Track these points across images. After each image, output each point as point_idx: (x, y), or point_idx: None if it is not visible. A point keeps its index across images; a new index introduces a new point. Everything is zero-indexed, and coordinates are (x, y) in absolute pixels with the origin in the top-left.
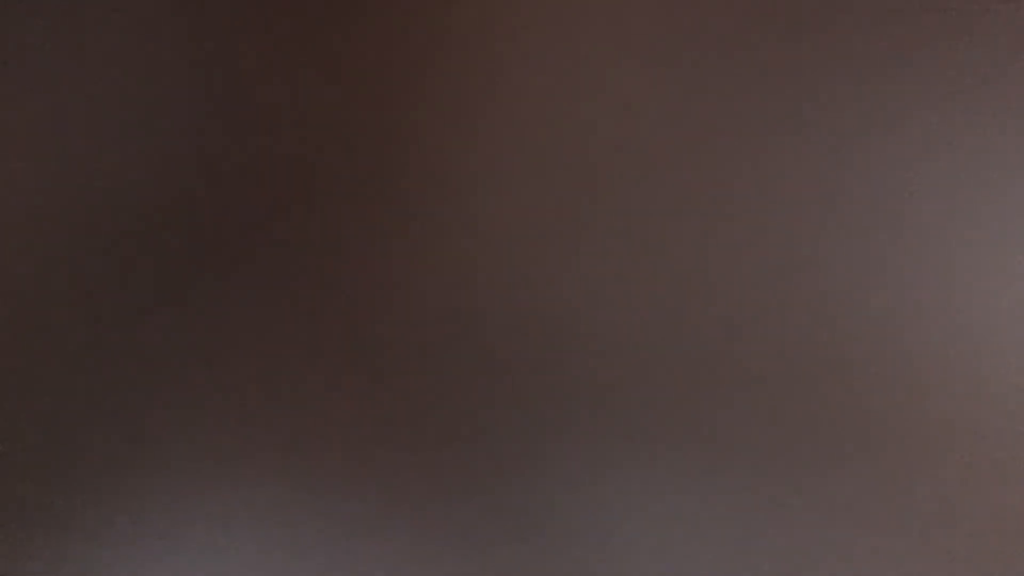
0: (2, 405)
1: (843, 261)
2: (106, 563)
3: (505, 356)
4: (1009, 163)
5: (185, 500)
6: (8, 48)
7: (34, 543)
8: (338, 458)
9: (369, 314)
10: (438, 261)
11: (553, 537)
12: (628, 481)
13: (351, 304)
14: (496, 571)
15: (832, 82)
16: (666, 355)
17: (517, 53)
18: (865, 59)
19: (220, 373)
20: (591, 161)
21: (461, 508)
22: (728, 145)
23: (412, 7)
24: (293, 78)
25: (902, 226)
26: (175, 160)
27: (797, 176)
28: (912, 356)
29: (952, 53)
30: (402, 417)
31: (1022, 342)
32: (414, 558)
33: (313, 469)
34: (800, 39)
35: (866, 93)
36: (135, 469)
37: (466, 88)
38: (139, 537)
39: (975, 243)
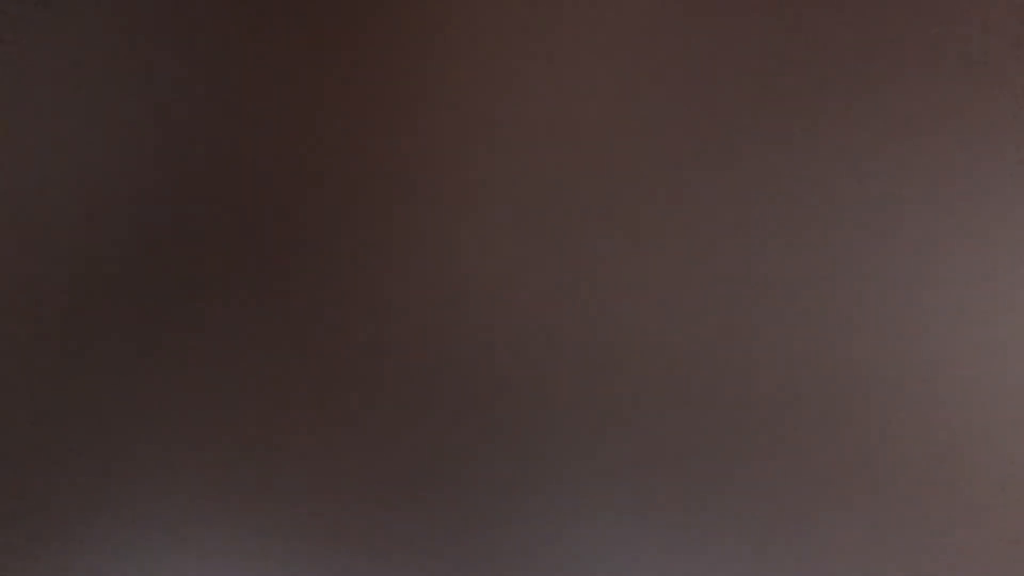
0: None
1: (847, 272)
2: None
3: (498, 383)
4: (1011, 169)
5: (173, 513)
6: (8, 50)
7: (27, 550)
8: (322, 491)
9: (361, 334)
10: (432, 281)
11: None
12: (622, 518)
13: (345, 322)
14: None
15: (833, 83)
16: (663, 383)
17: (518, 58)
18: (865, 57)
19: (216, 386)
20: (594, 172)
21: (448, 545)
22: (732, 149)
23: (413, 11)
24: (292, 85)
25: (910, 232)
26: (171, 165)
27: (801, 182)
28: (923, 380)
29: (952, 53)
30: (392, 447)
31: None
32: None
33: (296, 484)
34: (803, 41)
35: (868, 92)
36: (126, 482)
37: (465, 97)
38: (130, 550)
39: (987, 260)
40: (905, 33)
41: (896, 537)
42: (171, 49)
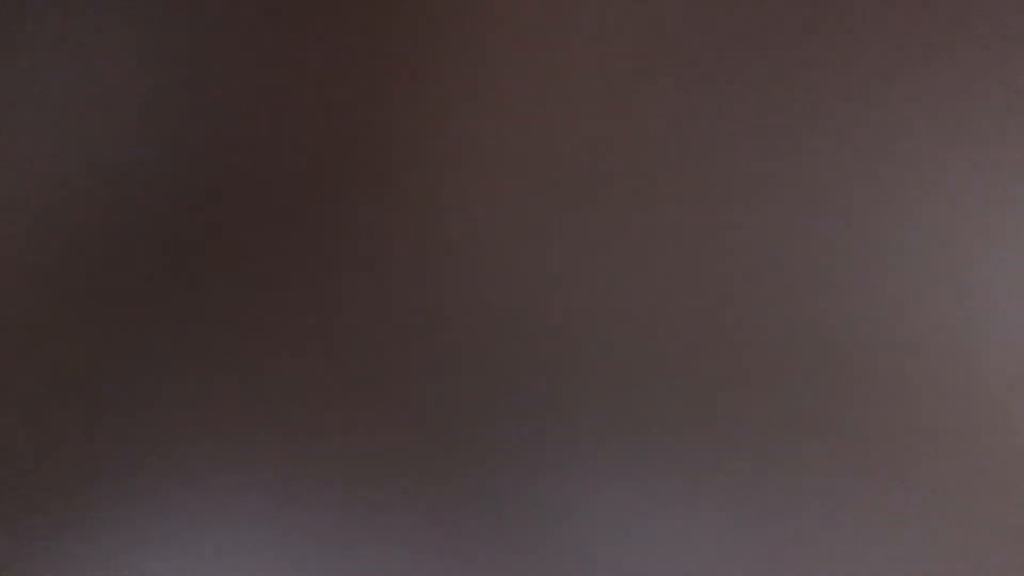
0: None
1: (843, 263)
2: (98, 565)
3: (493, 360)
4: (1009, 165)
5: (177, 503)
6: (5, 47)
7: (24, 546)
8: (319, 468)
9: (355, 320)
10: (424, 265)
11: (543, 551)
12: (622, 490)
13: (338, 308)
14: None
15: (831, 80)
16: (659, 361)
17: (508, 55)
18: (866, 57)
19: (213, 376)
20: (584, 165)
21: (446, 517)
22: (724, 145)
23: (404, 7)
24: (290, 82)
25: (906, 227)
26: (173, 159)
27: (795, 179)
28: (916, 358)
29: (954, 52)
30: (388, 425)
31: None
32: (396, 569)
33: (299, 475)
34: (800, 38)
35: (865, 93)
36: (128, 472)
37: (455, 93)
38: (133, 540)
39: (982, 246)
40: (915, 17)
41: (896, 530)
42: (169, 46)
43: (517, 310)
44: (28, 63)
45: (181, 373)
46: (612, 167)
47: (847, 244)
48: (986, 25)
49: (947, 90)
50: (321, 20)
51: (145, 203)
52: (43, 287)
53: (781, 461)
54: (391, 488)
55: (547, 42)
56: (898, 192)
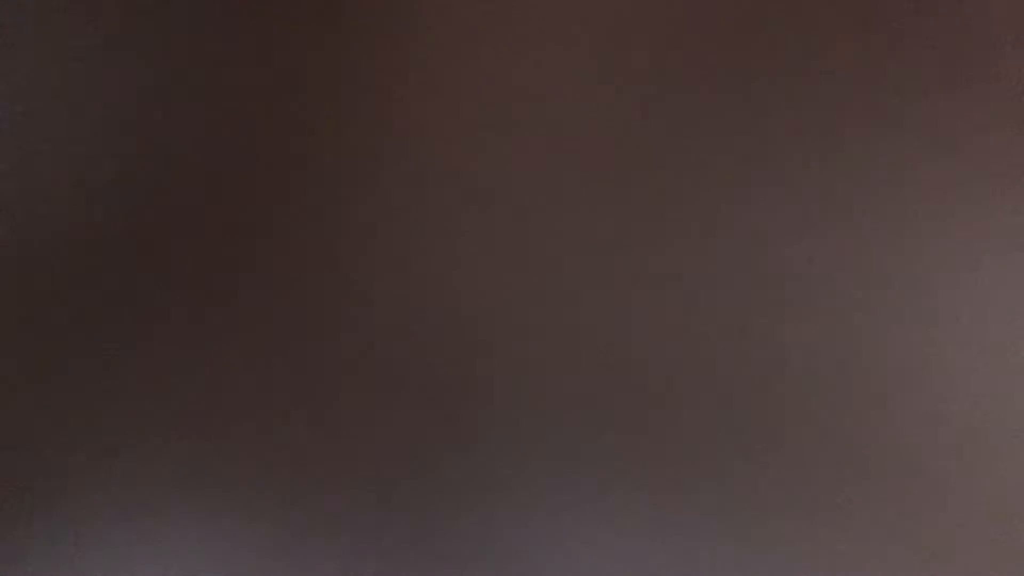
0: None
1: (833, 273)
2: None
3: (490, 379)
4: (1007, 171)
5: (150, 502)
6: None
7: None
8: (289, 488)
9: (347, 328)
10: (397, 276)
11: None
12: (593, 514)
13: (329, 314)
14: None
15: (824, 86)
16: (638, 379)
17: (487, 59)
18: (857, 58)
19: (197, 377)
20: (597, 165)
21: (416, 540)
22: (710, 146)
23: (390, 7)
24: (277, 82)
25: (906, 235)
26: (158, 158)
27: (779, 182)
28: (932, 379)
29: (950, 53)
30: (359, 440)
31: None
32: None
33: (269, 488)
34: (789, 37)
35: (862, 96)
36: (105, 469)
37: (452, 89)
38: (111, 536)
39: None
40: (910, 17)
41: (898, 545)
42: (158, 43)
43: (508, 332)
44: (11, 62)
45: (166, 368)
46: (623, 175)
47: (846, 256)
48: (987, 27)
49: (955, 94)
50: (325, 28)
51: (129, 201)
52: (30, 284)
53: (778, 506)
54: (365, 497)
55: (549, 46)
56: (905, 198)
